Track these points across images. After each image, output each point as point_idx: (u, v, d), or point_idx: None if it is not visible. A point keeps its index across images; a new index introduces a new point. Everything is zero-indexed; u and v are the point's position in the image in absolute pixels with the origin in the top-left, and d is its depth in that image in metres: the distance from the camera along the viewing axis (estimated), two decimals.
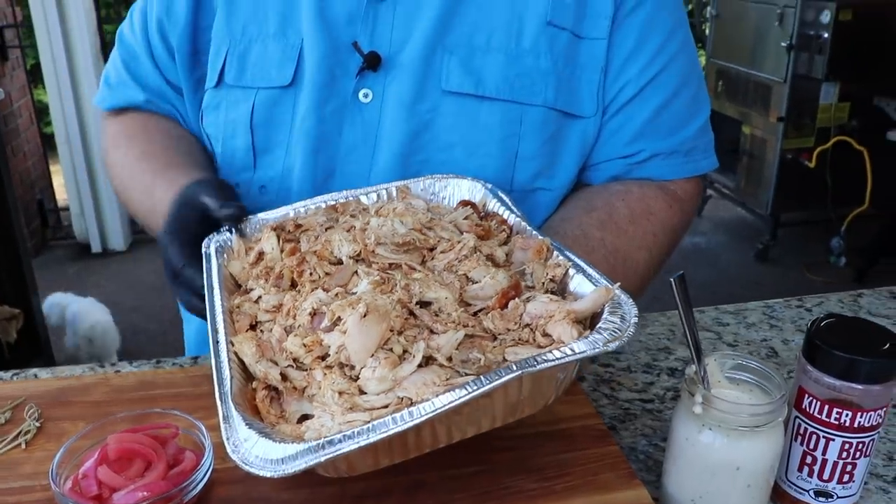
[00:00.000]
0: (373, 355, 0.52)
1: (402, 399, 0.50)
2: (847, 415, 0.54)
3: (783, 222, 3.90)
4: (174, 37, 0.91)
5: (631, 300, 0.54)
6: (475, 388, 0.46)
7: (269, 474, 0.45)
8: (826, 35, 3.38)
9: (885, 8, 3.40)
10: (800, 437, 0.57)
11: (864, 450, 0.55)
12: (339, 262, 0.63)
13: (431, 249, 0.65)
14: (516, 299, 0.57)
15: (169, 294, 1.03)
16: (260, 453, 0.46)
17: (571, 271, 0.61)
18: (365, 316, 0.52)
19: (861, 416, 0.54)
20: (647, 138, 0.86)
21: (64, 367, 0.77)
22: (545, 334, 0.54)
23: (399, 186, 0.77)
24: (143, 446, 0.52)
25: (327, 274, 0.62)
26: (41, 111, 4.38)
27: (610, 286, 0.56)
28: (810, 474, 0.57)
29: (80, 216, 3.97)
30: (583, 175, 0.89)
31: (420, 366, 0.51)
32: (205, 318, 0.63)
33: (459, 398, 0.46)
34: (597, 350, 0.50)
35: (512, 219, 0.71)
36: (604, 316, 0.53)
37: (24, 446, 0.61)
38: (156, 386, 0.69)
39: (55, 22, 3.57)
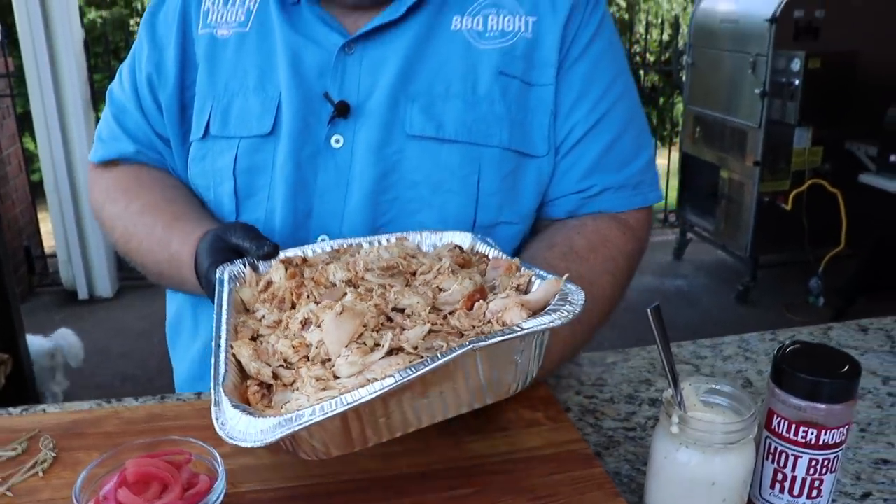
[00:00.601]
0: (346, 346, 0.58)
1: (370, 380, 0.55)
2: (813, 433, 0.58)
3: (762, 264, 3.97)
4: (164, 93, 0.97)
5: (580, 290, 0.61)
6: (431, 362, 0.52)
7: (250, 444, 0.51)
8: (797, 82, 3.50)
9: (851, 57, 3.53)
10: (771, 456, 0.61)
11: (829, 466, 0.60)
12: (334, 286, 0.70)
13: (413, 274, 0.71)
14: (481, 301, 0.64)
15: (156, 340, 1.06)
16: (243, 428, 0.52)
17: (535, 279, 0.67)
18: (340, 314, 0.60)
19: (825, 434, 0.58)
20: (598, 174, 0.93)
21: (72, 403, 0.80)
22: (502, 323, 0.60)
23: (398, 236, 0.83)
24: (160, 470, 0.56)
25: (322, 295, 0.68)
26: (29, 158, 4.42)
27: (559, 279, 0.62)
28: (781, 490, 0.61)
29: (68, 263, 3.98)
30: (542, 210, 0.96)
31: (389, 354, 0.58)
32: None
33: (417, 372, 0.52)
34: (542, 326, 0.56)
35: (493, 253, 0.76)
36: (553, 303, 0.60)
37: (41, 474, 0.64)
38: (165, 418, 0.73)
39: (46, 71, 3.64)
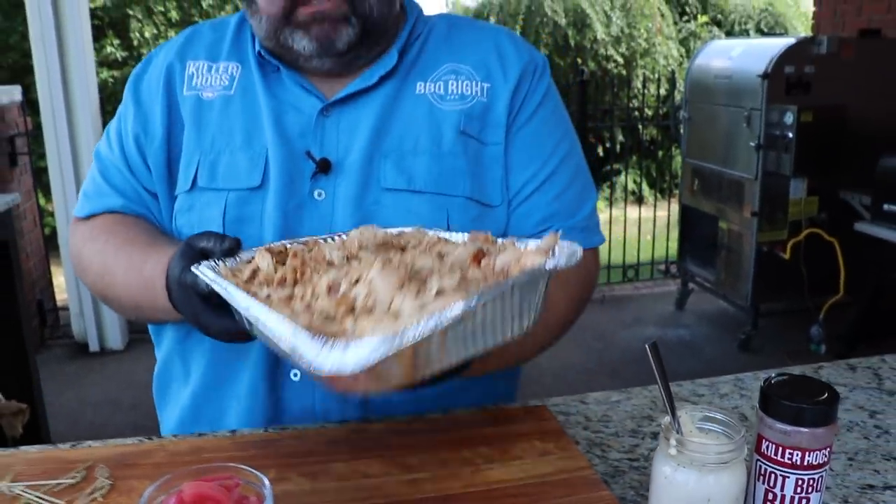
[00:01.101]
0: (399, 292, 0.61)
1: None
2: (798, 455, 0.65)
3: (763, 312, 4.03)
4: (151, 150, 1.04)
5: (576, 244, 0.69)
6: (491, 289, 0.59)
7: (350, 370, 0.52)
8: (791, 135, 3.61)
9: (841, 110, 3.65)
10: (762, 477, 0.68)
11: (815, 485, 0.66)
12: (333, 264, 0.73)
13: (404, 249, 0.77)
14: (486, 259, 0.69)
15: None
16: (337, 357, 0.52)
17: (517, 243, 0.74)
18: (382, 268, 0.63)
19: (809, 455, 0.65)
20: (550, 221, 1.03)
21: (115, 439, 0.87)
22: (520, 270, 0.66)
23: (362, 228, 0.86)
24: (214, 492, 0.62)
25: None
26: (41, 213, 4.53)
27: (554, 233, 0.70)
28: None
29: (80, 316, 4.05)
30: None
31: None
32: (235, 338, 0.74)
33: (489, 294, 0.59)
34: (561, 262, 0.65)
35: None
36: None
37: (100, 499, 0.71)
38: (207, 451, 0.79)
39: (63, 130, 3.76)
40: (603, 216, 6.39)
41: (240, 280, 0.73)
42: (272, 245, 0.81)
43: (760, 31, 11.67)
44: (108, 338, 4.09)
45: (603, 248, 5.04)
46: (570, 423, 0.94)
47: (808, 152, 3.63)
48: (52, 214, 4.80)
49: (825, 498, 0.76)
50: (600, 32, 10.08)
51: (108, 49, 8.12)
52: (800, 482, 0.66)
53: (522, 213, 1.03)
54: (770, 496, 0.67)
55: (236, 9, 9.10)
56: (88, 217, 1.08)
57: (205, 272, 0.74)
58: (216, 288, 0.70)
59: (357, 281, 0.64)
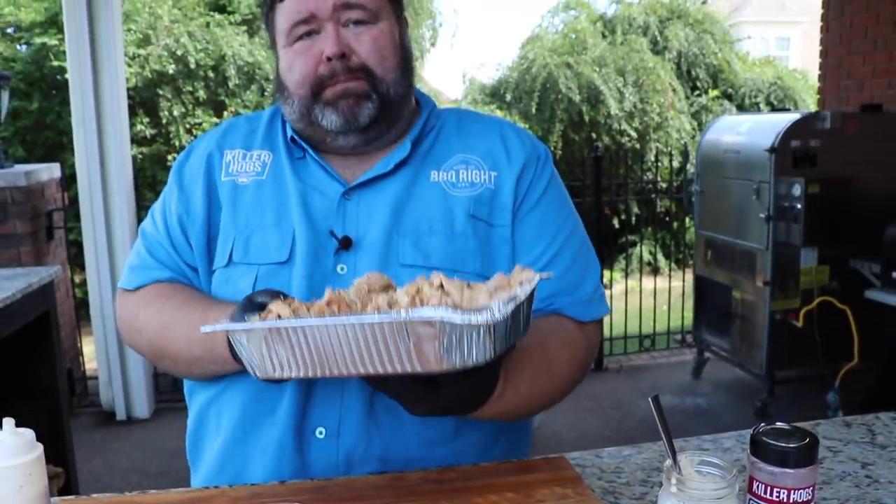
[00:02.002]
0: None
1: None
2: (784, 493, 0.75)
3: (779, 380, 4.08)
4: (192, 230, 1.16)
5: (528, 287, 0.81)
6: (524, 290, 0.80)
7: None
8: (799, 206, 3.73)
9: (847, 181, 3.78)
10: None
11: None
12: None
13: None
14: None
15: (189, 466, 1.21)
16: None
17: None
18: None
19: (794, 493, 0.75)
20: (555, 296, 1.13)
21: (179, 488, 0.97)
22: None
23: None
24: None
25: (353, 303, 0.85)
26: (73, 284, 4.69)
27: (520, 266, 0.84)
28: None
29: (108, 385, 4.17)
30: None
31: None
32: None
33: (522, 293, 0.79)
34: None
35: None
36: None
37: None
38: (265, 496, 0.90)
39: (99, 206, 3.94)
40: (619, 287, 6.49)
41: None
42: (289, 299, 0.92)
43: (770, 105, 11.92)
44: (134, 406, 4.20)
45: (619, 319, 5.13)
46: (586, 474, 1.03)
47: (816, 222, 3.75)
48: (79, 286, 4.97)
49: None
50: (614, 108, 10.33)
51: (139, 127, 8.42)
52: None
53: None
54: None
55: (260, 89, 9.44)
56: (136, 289, 1.19)
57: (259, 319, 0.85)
58: (282, 325, 0.80)
59: (418, 291, 0.79)
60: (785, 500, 0.75)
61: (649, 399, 0.76)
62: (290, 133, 1.18)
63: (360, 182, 1.13)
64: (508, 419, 1.08)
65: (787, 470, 0.75)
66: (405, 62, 1.17)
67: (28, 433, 0.79)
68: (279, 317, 0.84)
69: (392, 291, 0.86)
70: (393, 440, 1.06)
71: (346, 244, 1.09)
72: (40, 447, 0.80)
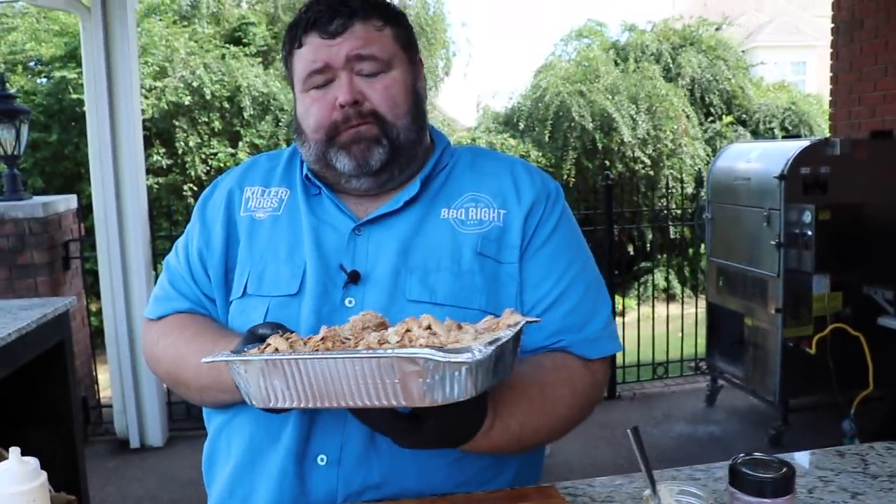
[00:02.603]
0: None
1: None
2: None
3: (793, 408, 4.05)
4: (211, 263, 1.21)
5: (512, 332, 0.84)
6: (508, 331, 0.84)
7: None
8: (810, 233, 3.73)
9: (858, 208, 3.78)
10: None
11: None
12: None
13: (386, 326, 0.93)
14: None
15: (203, 487, 1.24)
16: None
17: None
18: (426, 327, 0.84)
19: None
20: (562, 334, 1.15)
21: None
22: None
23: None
24: None
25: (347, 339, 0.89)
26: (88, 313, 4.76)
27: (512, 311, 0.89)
28: None
29: (122, 413, 4.21)
30: None
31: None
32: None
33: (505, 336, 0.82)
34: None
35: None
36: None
37: None
38: None
39: (115, 236, 4.01)
40: (633, 314, 6.46)
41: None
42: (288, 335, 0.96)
43: (785, 130, 11.91)
44: (148, 435, 4.23)
45: (632, 346, 5.09)
46: (578, 502, 1.05)
47: (828, 249, 3.74)
48: (95, 314, 5.04)
49: None
50: (627, 135, 10.37)
51: (155, 157, 8.54)
52: None
53: (536, 326, 1.13)
54: None
55: (275, 119, 9.55)
56: (159, 318, 1.25)
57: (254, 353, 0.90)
58: (277, 357, 0.85)
59: (407, 331, 0.83)
60: None
61: (628, 431, 0.78)
62: (305, 171, 1.23)
63: (370, 218, 1.17)
64: (503, 453, 1.10)
65: (765, 500, 0.76)
66: (417, 107, 1.21)
67: (33, 461, 0.82)
68: (276, 350, 0.87)
69: (384, 330, 0.90)
70: (393, 469, 1.08)
71: (354, 278, 1.12)
72: (44, 475, 0.83)
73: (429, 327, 0.84)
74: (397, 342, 0.83)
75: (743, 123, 12.31)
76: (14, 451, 0.83)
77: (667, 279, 9.46)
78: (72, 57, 8.48)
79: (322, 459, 1.09)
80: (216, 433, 1.22)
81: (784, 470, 0.77)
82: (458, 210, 1.18)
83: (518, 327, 0.84)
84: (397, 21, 1.20)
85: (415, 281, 1.11)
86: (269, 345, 0.90)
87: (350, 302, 1.12)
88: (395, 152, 1.16)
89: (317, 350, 0.86)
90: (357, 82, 1.14)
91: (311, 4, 1.17)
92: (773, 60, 18.68)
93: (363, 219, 1.18)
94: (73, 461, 2.89)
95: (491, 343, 0.79)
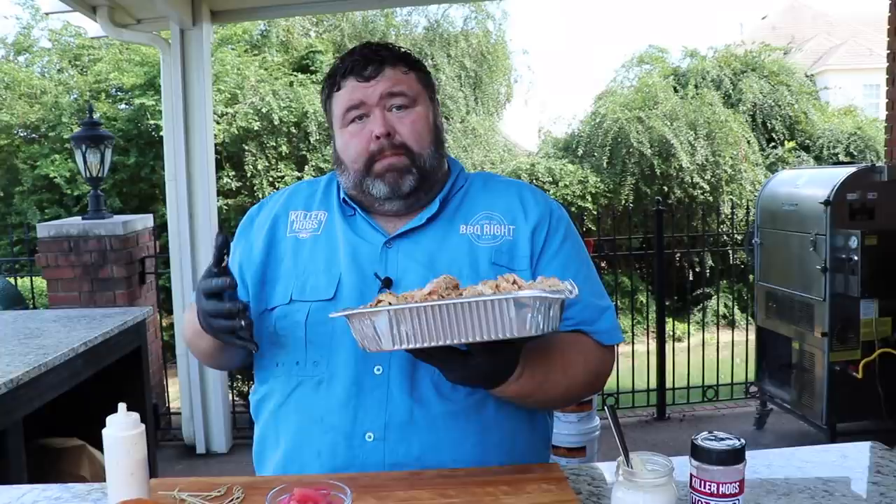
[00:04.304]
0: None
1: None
2: (714, 486, 0.92)
3: (842, 432, 4.06)
4: (249, 273, 1.42)
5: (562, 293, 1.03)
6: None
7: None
8: (856, 258, 3.77)
9: None
10: None
11: None
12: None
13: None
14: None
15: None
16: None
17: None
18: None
19: (723, 486, 0.92)
20: (577, 327, 1.33)
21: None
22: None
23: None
24: (314, 494, 0.94)
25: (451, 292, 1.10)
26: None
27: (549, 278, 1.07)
28: None
29: (190, 420, 4.47)
30: None
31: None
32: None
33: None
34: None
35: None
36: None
37: (237, 503, 1.03)
38: (304, 485, 1.11)
39: (187, 254, 4.28)
40: (693, 339, 6.42)
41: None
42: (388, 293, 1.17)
43: (850, 156, 11.73)
44: (213, 441, 4.48)
45: (682, 369, 5.13)
46: (579, 480, 1.21)
47: (875, 274, 3.77)
48: (165, 329, 5.35)
49: None
50: (685, 161, 10.39)
51: (225, 179, 8.95)
52: None
53: None
54: None
55: None
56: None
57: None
58: (433, 304, 1.04)
59: (497, 285, 1.05)
60: (715, 491, 0.92)
61: (605, 408, 0.94)
62: (342, 196, 1.44)
63: (399, 233, 1.38)
64: (526, 402, 1.28)
65: (714, 467, 0.92)
66: (437, 137, 1.43)
67: (135, 415, 1.07)
68: (390, 304, 1.07)
69: (473, 286, 1.10)
70: (430, 442, 1.27)
71: (387, 283, 1.32)
72: (143, 426, 1.06)
73: (514, 281, 1.06)
74: (492, 293, 1.03)
75: (806, 149, 12.18)
76: (122, 407, 1.06)
77: (727, 306, 9.40)
78: (150, 85, 8.98)
79: (369, 436, 1.27)
80: (264, 427, 1.41)
81: (734, 443, 0.93)
82: (475, 226, 1.38)
83: (566, 293, 1.03)
84: (419, 67, 1.43)
85: None
86: (380, 301, 1.09)
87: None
88: (422, 179, 1.38)
89: (426, 301, 1.05)
90: (389, 118, 1.36)
91: (347, 55, 1.41)
92: (845, 84, 18.37)
93: (393, 234, 1.38)
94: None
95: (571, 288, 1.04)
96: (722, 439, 0.95)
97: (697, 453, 0.94)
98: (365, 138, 1.36)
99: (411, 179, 1.36)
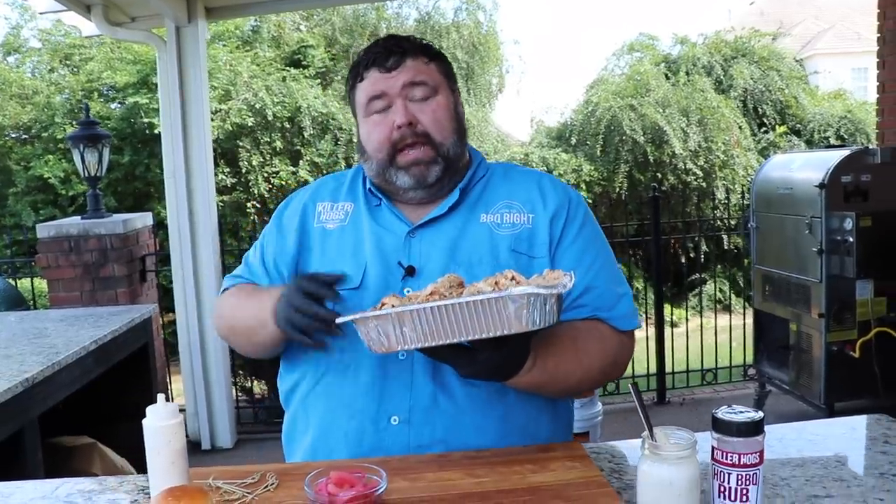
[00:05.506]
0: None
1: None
2: (735, 457, 0.96)
3: (840, 411, 4.11)
4: (283, 263, 1.46)
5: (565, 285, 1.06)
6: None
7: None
8: (851, 239, 3.82)
9: None
10: (715, 476, 0.98)
11: (751, 479, 0.96)
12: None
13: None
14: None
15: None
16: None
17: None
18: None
19: (744, 457, 0.96)
20: (595, 313, 1.36)
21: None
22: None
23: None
24: (350, 476, 0.97)
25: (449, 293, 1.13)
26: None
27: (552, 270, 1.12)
28: (722, 498, 0.98)
29: (195, 416, 4.50)
30: None
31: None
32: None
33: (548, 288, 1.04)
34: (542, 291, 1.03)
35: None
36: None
37: (272, 489, 1.07)
38: (338, 468, 1.14)
39: (188, 251, 4.30)
40: (691, 323, 6.47)
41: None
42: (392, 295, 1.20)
43: (841, 139, 11.80)
44: (218, 437, 4.51)
45: (681, 354, 5.18)
46: (600, 458, 1.25)
47: (870, 255, 3.82)
48: (166, 325, 5.37)
49: (780, 503, 1.06)
50: (678, 147, 10.44)
51: (220, 176, 8.95)
52: (740, 477, 0.96)
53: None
54: (721, 488, 0.98)
55: (334, 139, 9.84)
56: (227, 289, 1.53)
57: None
58: (433, 304, 1.07)
59: (496, 282, 1.09)
60: (737, 462, 0.96)
61: (630, 385, 0.98)
62: (368, 186, 1.48)
63: (421, 223, 1.41)
64: (543, 392, 1.32)
65: (736, 438, 0.96)
66: (459, 126, 1.46)
67: (173, 405, 1.12)
68: (393, 306, 1.11)
69: (474, 283, 1.13)
70: (454, 425, 1.30)
71: (411, 272, 1.36)
72: (181, 416, 1.10)
73: (513, 277, 1.09)
74: (491, 290, 1.07)
75: (797, 133, 12.24)
76: (160, 397, 1.11)
77: (722, 290, 9.47)
78: (143, 83, 8.97)
79: (395, 420, 1.31)
80: (294, 411, 1.45)
81: (753, 415, 0.97)
82: (495, 215, 1.41)
83: (560, 288, 1.05)
84: (440, 57, 1.46)
85: (462, 273, 1.32)
86: (384, 304, 1.13)
87: (408, 291, 1.34)
88: (447, 168, 1.41)
89: (427, 302, 1.08)
90: (410, 107, 1.39)
91: (370, 47, 1.44)
92: (833, 68, 18.43)
93: (416, 223, 1.41)
94: None
95: (568, 282, 1.07)
96: (741, 412, 0.99)
97: (719, 426, 0.98)
98: (387, 128, 1.39)
99: (437, 170, 1.39)
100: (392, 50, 1.40)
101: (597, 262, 1.39)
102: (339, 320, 1.15)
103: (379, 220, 1.43)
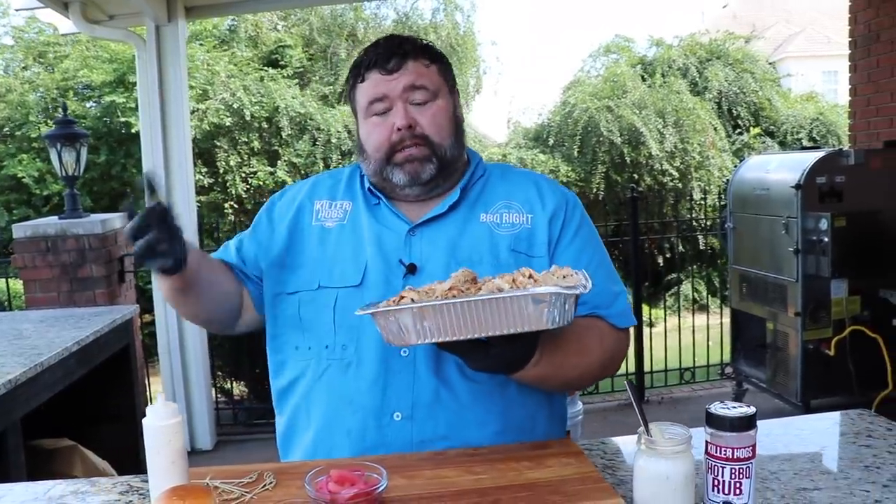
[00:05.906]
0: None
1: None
2: (729, 451, 0.98)
3: (815, 408, 4.18)
4: (268, 255, 1.46)
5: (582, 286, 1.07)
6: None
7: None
8: (826, 239, 3.89)
9: (873, 215, 3.94)
10: (709, 470, 1.00)
11: (744, 472, 0.99)
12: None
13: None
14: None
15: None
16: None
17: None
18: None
19: (737, 451, 0.98)
20: (593, 310, 1.37)
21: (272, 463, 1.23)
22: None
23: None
24: (350, 475, 0.98)
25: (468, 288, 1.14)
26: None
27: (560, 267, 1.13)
28: (716, 491, 1.00)
29: None
30: None
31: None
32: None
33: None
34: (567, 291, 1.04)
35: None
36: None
37: (270, 489, 1.07)
38: (337, 466, 1.15)
39: None
40: (665, 323, 6.53)
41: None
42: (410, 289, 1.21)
43: (813, 141, 11.97)
44: (198, 439, 4.48)
45: (660, 353, 5.24)
46: (592, 455, 1.27)
47: (845, 255, 3.90)
48: (143, 326, 5.31)
49: (770, 496, 1.08)
50: (654, 149, 10.53)
51: (197, 176, 8.89)
52: (733, 470, 0.98)
53: None
54: (715, 482, 1.00)
55: (312, 139, 9.80)
56: None
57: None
58: (453, 301, 1.09)
59: (514, 279, 1.10)
60: (730, 456, 0.98)
61: (626, 381, 1.00)
62: (367, 185, 1.48)
63: (422, 221, 1.42)
64: (544, 385, 1.33)
65: (729, 433, 0.98)
66: (457, 128, 1.47)
67: (173, 405, 1.10)
68: (412, 300, 1.11)
69: (489, 280, 1.15)
70: (456, 420, 1.31)
71: (412, 269, 1.37)
72: (181, 416, 1.09)
73: (531, 276, 1.11)
74: (510, 287, 1.09)
75: (771, 135, 12.40)
76: (160, 396, 1.10)
77: (697, 290, 9.57)
78: (120, 82, 8.89)
79: (398, 416, 1.32)
80: (294, 411, 1.44)
81: (745, 410, 0.99)
82: (495, 215, 1.43)
83: (581, 289, 1.07)
84: (441, 60, 1.47)
85: None
86: (402, 297, 1.14)
87: (409, 289, 1.36)
88: (442, 168, 1.42)
89: (445, 297, 1.10)
90: (410, 110, 1.39)
91: (371, 47, 1.45)
92: (805, 71, 18.69)
93: (416, 222, 1.42)
94: (135, 454, 3.16)
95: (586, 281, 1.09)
96: (734, 407, 1.01)
97: (713, 421, 1.00)
98: (387, 129, 1.40)
99: (431, 168, 1.40)
100: (394, 51, 1.40)
101: (594, 261, 1.41)
102: (360, 312, 1.15)
103: (379, 218, 1.44)
